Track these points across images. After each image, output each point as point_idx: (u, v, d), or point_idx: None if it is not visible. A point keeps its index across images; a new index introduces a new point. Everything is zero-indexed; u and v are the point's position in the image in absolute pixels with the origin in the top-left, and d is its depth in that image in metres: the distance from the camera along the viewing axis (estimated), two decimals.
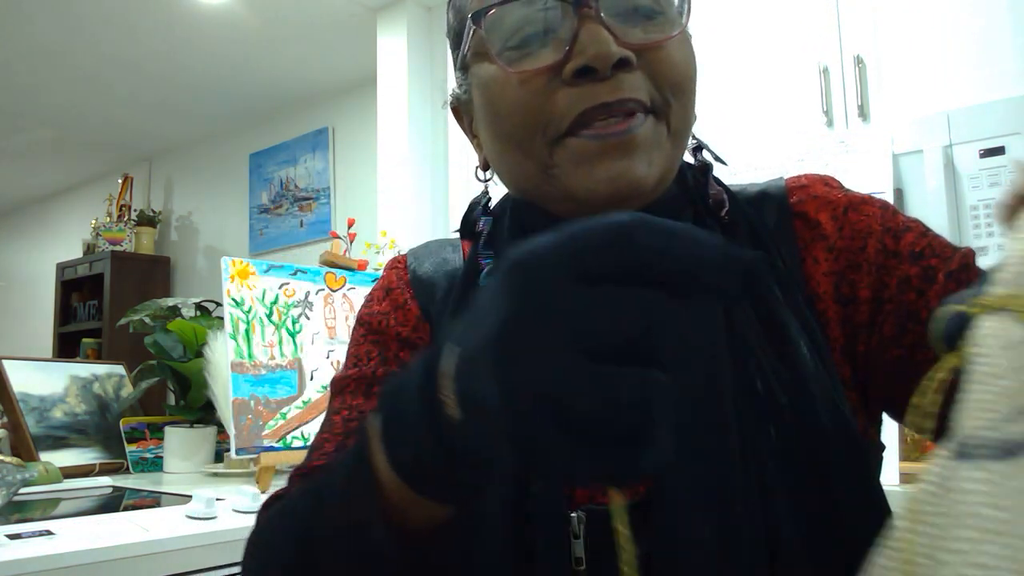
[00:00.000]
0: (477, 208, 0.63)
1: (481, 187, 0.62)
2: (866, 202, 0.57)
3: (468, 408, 0.32)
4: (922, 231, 0.55)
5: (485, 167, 0.60)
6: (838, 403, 0.50)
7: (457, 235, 0.65)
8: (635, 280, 0.28)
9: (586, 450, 0.28)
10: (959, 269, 0.52)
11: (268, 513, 0.54)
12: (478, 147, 0.60)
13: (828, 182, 0.59)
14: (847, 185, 0.62)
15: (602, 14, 0.48)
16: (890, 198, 1.68)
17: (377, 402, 0.40)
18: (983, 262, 0.53)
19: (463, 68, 0.57)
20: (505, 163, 0.55)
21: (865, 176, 1.73)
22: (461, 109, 0.61)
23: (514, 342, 0.29)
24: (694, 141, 0.58)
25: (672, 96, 0.50)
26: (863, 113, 1.88)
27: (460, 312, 0.58)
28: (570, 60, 0.48)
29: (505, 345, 0.29)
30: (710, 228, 0.55)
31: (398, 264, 0.65)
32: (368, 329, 0.62)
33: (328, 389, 0.63)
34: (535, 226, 0.57)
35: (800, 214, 0.57)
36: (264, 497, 1.16)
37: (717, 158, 0.59)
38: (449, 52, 0.61)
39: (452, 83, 0.61)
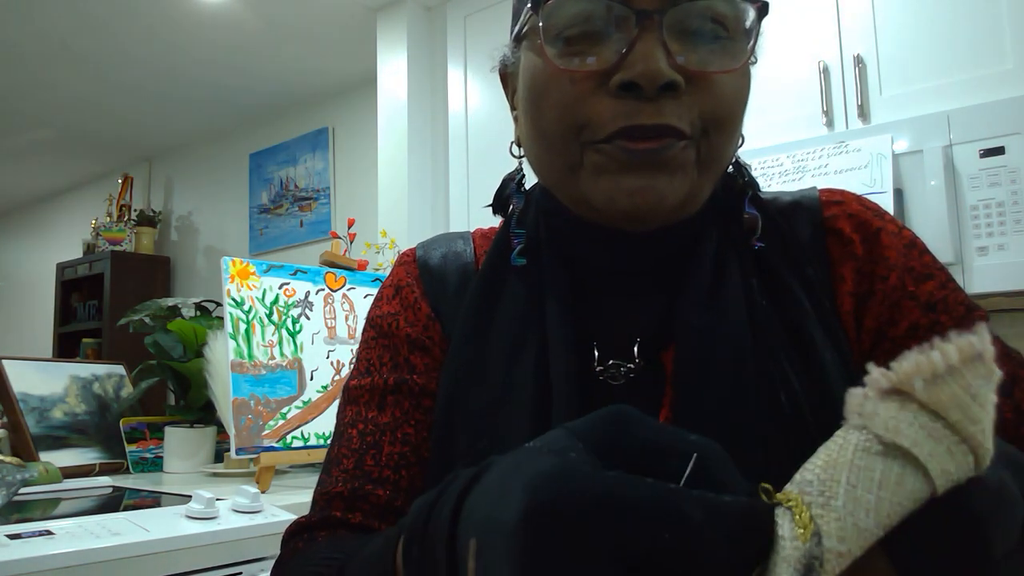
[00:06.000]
0: (511, 184, 0.62)
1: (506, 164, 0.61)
2: (896, 234, 0.55)
3: None
4: (943, 281, 0.54)
5: (520, 143, 0.59)
6: None
7: (466, 229, 0.64)
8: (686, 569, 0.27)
9: None
10: None
11: (295, 558, 0.54)
12: (516, 120, 0.59)
13: (863, 201, 0.58)
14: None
15: (663, 30, 0.46)
16: (890, 198, 1.68)
17: (403, 543, 0.38)
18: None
19: (516, 40, 0.55)
20: (536, 152, 0.55)
21: (865, 176, 1.73)
22: (508, 77, 0.60)
23: None
24: (734, 169, 0.57)
25: (712, 130, 0.49)
26: (863, 113, 1.88)
27: (486, 296, 0.57)
28: (619, 71, 0.47)
29: None
30: (739, 253, 0.55)
31: (407, 259, 0.64)
32: (378, 332, 0.62)
33: (340, 395, 0.63)
34: (557, 221, 0.57)
35: (834, 230, 0.56)
36: (264, 498, 1.17)
37: (752, 183, 0.58)
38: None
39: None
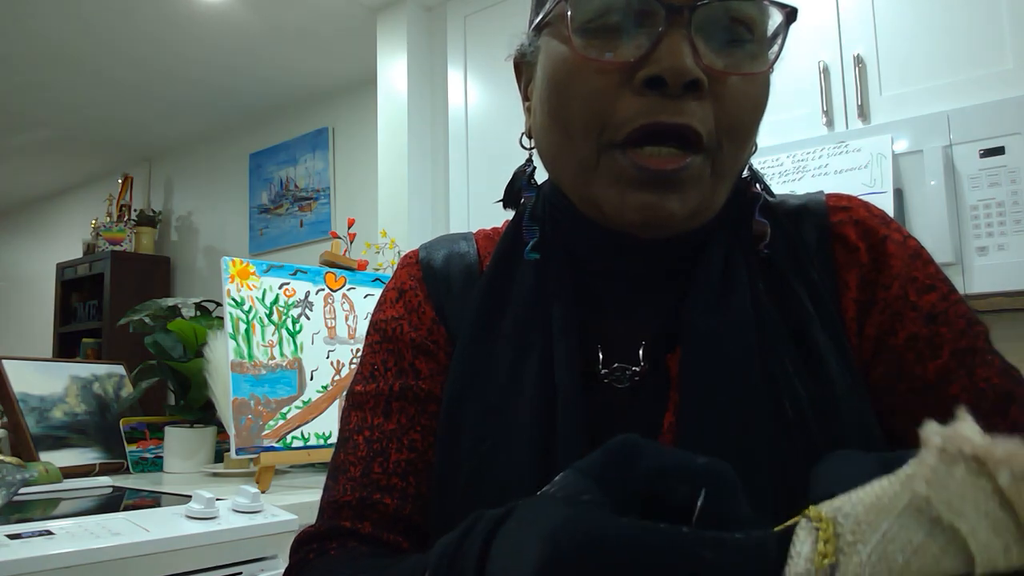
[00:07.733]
0: (522, 178, 0.62)
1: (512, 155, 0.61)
2: (901, 243, 0.55)
3: None
4: (945, 293, 0.53)
5: (531, 134, 0.58)
6: (870, 428, 0.49)
7: (466, 229, 0.64)
8: None
9: None
10: (964, 350, 0.51)
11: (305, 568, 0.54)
12: (528, 111, 0.58)
13: (869, 208, 0.58)
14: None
15: (692, 27, 0.46)
16: (890, 198, 1.68)
17: None
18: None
19: (537, 29, 0.55)
20: (549, 145, 0.54)
21: (865, 176, 1.73)
22: (523, 67, 0.59)
23: None
24: (748, 173, 0.57)
25: (728, 137, 0.49)
26: (863, 113, 1.88)
27: (492, 295, 0.57)
28: (645, 66, 0.47)
29: None
30: (747, 257, 0.54)
31: (410, 260, 0.64)
32: (383, 336, 0.61)
33: (345, 400, 0.62)
34: (565, 219, 0.56)
35: (840, 236, 0.56)
36: (264, 498, 1.17)
37: (766, 189, 0.58)
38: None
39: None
